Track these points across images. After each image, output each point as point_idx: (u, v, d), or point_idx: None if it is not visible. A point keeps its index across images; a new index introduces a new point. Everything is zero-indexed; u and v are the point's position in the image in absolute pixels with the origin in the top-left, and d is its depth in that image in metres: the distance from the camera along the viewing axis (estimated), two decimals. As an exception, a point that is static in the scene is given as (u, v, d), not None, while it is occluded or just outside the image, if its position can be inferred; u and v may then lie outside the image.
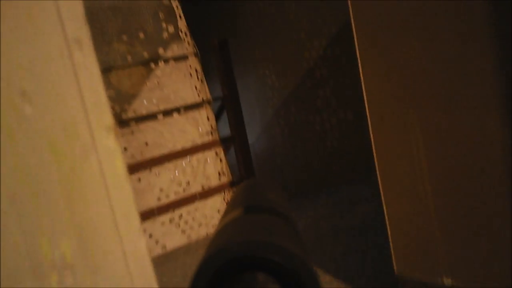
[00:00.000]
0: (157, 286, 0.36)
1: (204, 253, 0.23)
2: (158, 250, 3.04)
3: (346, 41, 3.32)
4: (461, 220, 1.29)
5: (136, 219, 0.35)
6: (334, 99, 3.73)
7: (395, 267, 1.55)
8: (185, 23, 3.24)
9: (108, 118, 0.34)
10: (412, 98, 1.32)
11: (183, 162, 3.19)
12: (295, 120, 4.23)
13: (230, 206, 0.32)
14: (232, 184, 3.25)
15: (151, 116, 3.12)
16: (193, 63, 3.22)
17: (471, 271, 1.29)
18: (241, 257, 0.22)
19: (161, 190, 3.11)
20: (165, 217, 3.10)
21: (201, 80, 3.25)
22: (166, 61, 3.15)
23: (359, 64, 1.45)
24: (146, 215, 2.95)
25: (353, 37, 1.44)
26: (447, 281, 1.36)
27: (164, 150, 3.13)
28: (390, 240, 1.54)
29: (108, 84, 2.92)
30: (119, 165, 0.34)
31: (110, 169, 0.34)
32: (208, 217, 3.22)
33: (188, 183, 3.20)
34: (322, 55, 3.65)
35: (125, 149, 3.01)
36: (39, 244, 0.30)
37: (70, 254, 0.31)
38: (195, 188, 3.21)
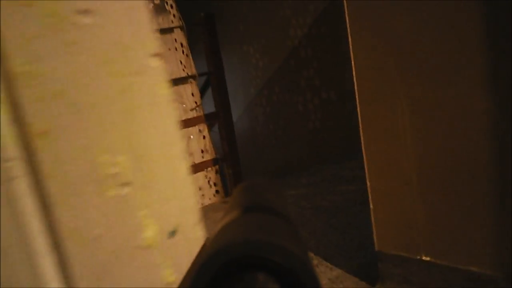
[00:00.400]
0: (198, 208, 0.37)
1: (204, 253, 0.23)
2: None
3: (331, 20, 3.30)
4: (445, 199, 1.32)
5: (179, 140, 0.36)
6: (318, 79, 3.72)
7: (375, 244, 1.58)
8: (171, -5, 3.17)
9: (156, 46, 0.35)
10: (401, 74, 1.33)
11: (166, 138, 3.15)
12: (277, 100, 4.22)
13: (230, 206, 0.32)
14: (215, 161, 3.25)
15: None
16: (179, 36, 3.16)
17: (452, 251, 1.33)
18: (241, 257, 0.22)
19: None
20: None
21: (187, 55, 3.20)
22: (150, 33, 3.07)
23: (350, 40, 1.45)
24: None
25: (344, 12, 1.43)
26: (426, 259, 1.40)
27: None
28: (372, 216, 1.56)
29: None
30: (166, 87, 0.36)
31: (159, 90, 0.35)
32: (190, 194, 3.21)
33: (170, 159, 3.16)
34: (307, 33, 3.63)
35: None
36: (99, 158, 0.31)
37: (127, 171, 0.33)
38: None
